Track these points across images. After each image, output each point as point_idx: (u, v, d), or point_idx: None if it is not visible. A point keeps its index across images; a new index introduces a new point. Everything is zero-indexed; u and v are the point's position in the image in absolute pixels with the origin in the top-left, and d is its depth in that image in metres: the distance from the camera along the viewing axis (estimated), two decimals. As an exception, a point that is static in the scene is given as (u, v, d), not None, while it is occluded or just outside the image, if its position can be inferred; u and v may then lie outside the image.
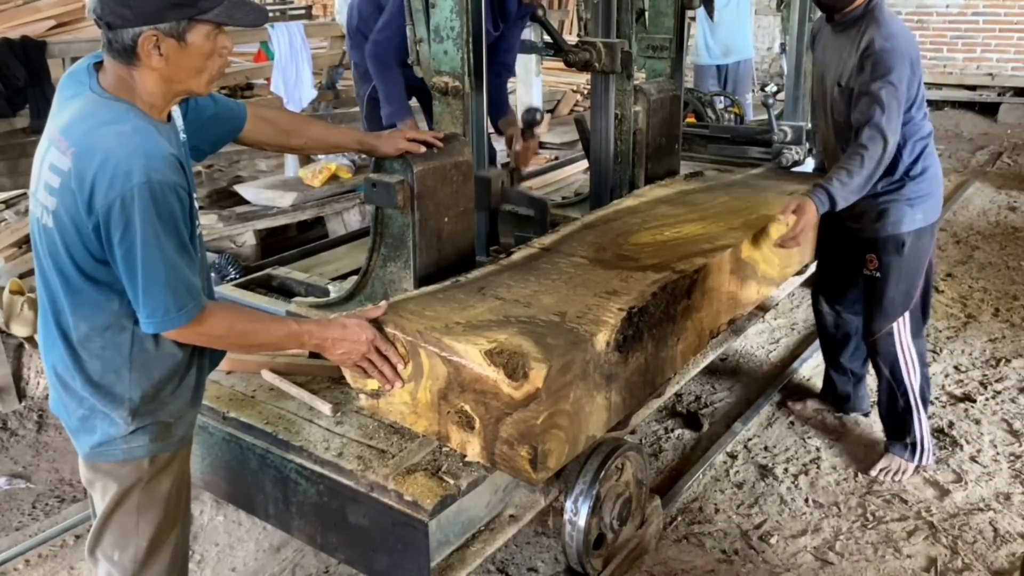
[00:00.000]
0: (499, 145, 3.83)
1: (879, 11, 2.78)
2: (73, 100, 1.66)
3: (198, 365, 1.85)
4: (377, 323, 2.03)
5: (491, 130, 3.53)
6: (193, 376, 1.84)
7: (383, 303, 2.12)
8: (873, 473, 3.12)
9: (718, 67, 6.48)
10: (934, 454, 3.15)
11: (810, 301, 4.62)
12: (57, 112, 1.69)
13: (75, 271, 1.64)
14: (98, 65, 1.69)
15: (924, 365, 3.10)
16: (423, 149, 2.36)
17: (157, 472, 1.80)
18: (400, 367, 2.03)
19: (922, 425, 3.09)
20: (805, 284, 3.78)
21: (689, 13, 3.75)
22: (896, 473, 3.10)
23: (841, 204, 2.75)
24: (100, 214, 1.55)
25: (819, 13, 3.12)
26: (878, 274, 2.97)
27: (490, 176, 2.78)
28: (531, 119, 3.14)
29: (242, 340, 1.81)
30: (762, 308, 3.32)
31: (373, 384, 2.11)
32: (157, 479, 1.81)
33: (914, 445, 3.09)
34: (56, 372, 1.76)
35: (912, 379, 3.05)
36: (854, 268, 3.10)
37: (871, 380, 3.51)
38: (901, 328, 3.01)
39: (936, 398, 3.64)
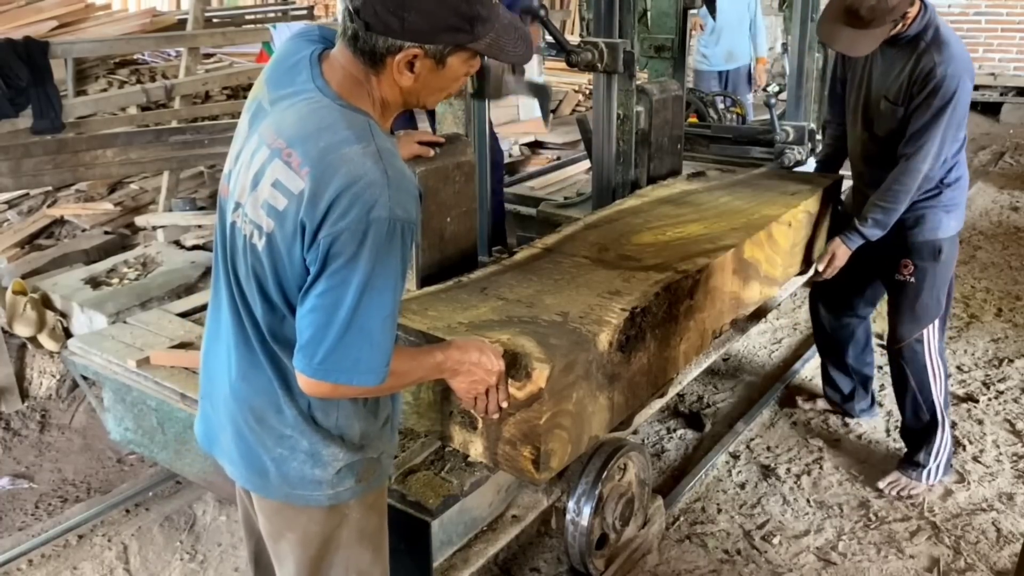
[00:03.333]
0: (504, 146, 3.83)
1: (938, 31, 2.72)
2: (295, 100, 1.43)
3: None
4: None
5: None
6: (398, 404, 1.70)
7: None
8: (881, 486, 3.06)
9: (719, 72, 6.52)
10: (950, 468, 3.09)
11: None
12: (269, 106, 1.47)
13: (281, 301, 1.45)
14: (320, 54, 1.48)
15: (947, 376, 3.05)
16: (432, 153, 2.35)
17: (366, 510, 1.64)
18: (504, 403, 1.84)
19: (944, 441, 3.02)
20: (808, 285, 3.77)
21: (692, 13, 3.75)
22: (904, 489, 3.03)
23: (873, 239, 2.86)
24: (323, 243, 1.33)
25: (820, 12, 3.07)
26: (912, 279, 2.91)
27: (489, 65, 2.68)
28: (529, 6, 2.92)
29: (397, 383, 1.53)
30: (758, 314, 3.28)
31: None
32: (366, 517, 1.64)
33: (929, 467, 3.01)
34: (251, 405, 1.52)
35: (939, 391, 2.99)
36: (858, 276, 3.07)
37: (875, 381, 3.52)
38: (931, 336, 2.96)
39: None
